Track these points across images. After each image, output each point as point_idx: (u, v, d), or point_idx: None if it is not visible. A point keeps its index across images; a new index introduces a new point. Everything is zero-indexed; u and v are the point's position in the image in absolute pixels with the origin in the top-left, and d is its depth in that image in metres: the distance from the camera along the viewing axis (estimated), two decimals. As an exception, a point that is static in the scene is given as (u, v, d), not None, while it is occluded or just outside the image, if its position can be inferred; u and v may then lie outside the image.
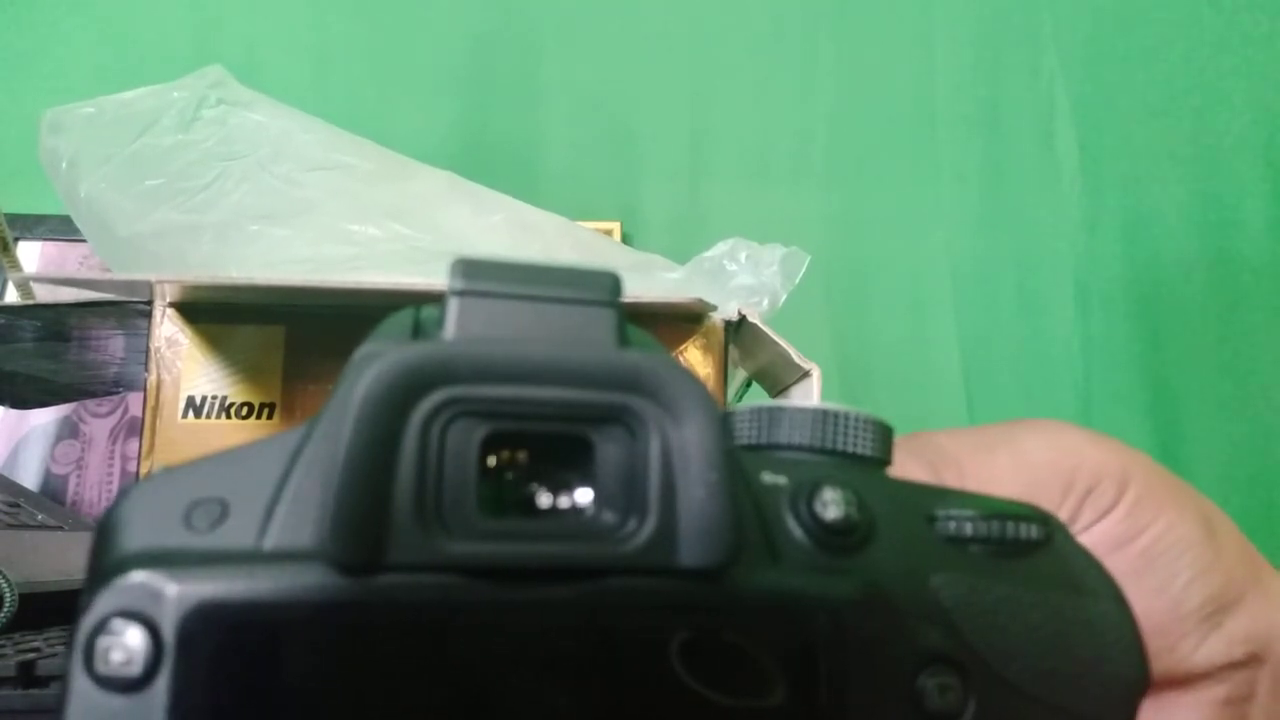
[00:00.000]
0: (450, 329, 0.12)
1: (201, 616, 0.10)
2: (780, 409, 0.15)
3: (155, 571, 0.11)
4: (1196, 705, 0.19)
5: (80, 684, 0.10)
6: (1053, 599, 0.14)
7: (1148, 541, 0.19)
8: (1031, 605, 0.14)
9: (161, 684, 0.10)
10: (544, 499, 0.12)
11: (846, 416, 0.15)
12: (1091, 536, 0.19)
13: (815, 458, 0.14)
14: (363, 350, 0.12)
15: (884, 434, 0.15)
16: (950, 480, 0.19)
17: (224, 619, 0.10)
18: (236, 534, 0.11)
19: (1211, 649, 0.19)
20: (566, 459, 0.12)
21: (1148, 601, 0.19)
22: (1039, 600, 0.14)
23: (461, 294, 0.12)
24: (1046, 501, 0.19)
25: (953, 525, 0.14)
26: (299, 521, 0.11)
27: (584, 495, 0.12)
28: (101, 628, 0.10)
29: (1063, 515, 0.19)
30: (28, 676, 0.35)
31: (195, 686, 0.10)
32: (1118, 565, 0.19)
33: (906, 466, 0.18)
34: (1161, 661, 0.19)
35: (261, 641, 0.11)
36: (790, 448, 0.15)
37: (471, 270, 0.12)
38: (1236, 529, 0.20)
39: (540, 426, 0.12)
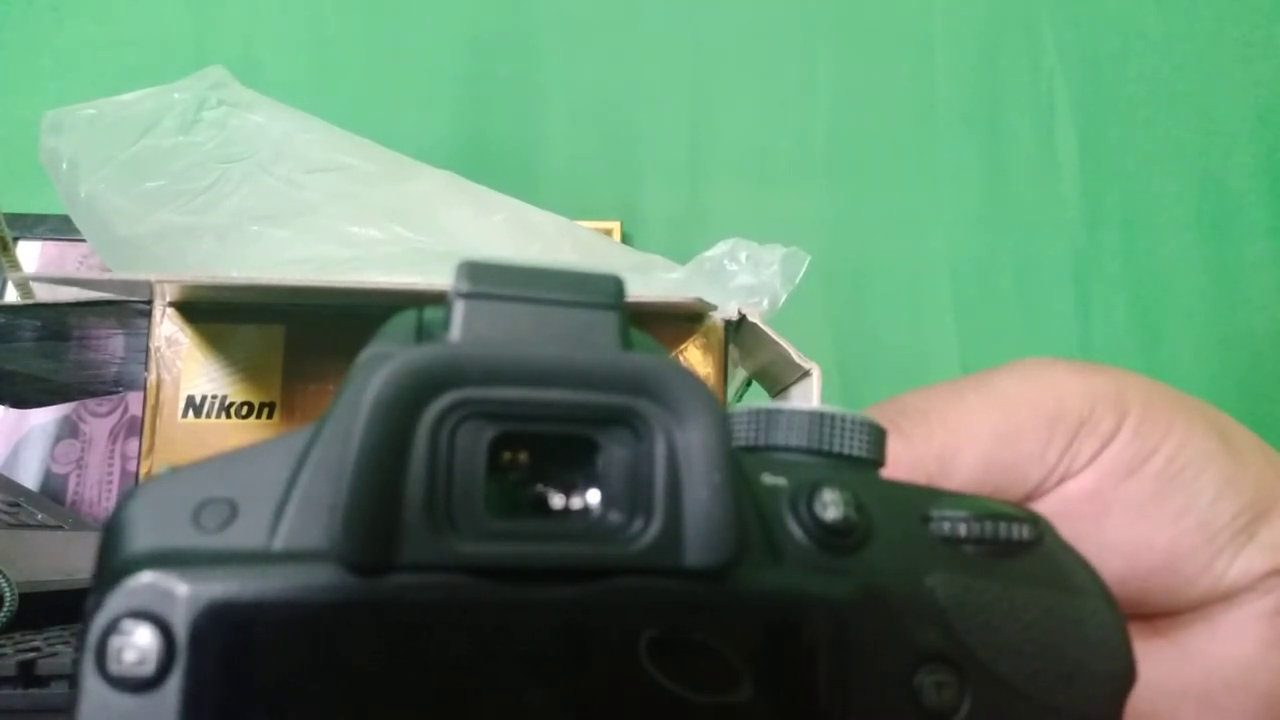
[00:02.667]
0: (456, 331, 0.12)
1: (213, 616, 0.10)
2: (777, 411, 0.15)
3: (166, 571, 0.11)
4: (1245, 620, 0.18)
5: (92, 684, 0.10)
6: (1044, 598, 0.15)
7: (1161, 462, 0.18)
8: (1024, 604, 0.14)
9: (174, 683, 0.10)
10: (551, 499, 0.12)
11: (842, 419, 0.15)
12: (1099, 467, 0.18)
13: (812, 459, 0.15)
14: (369, 352, 0.12)
15: (878, 436, 0.15)
16: (916, 433, 0.18)
17: (236, 618, 0.11)
18: (246, 534, 0.11)
19: (1250, 561, 0.18)
20: (573, 460, 0.12)
21: (1174, 525, 0.18)
22: (1031, 599, 0.14)
23: (467, 296, 0.12)
24: (1031, 440, 0.18)
25: (947, 525, 0.14)
26: (308, 522, 0.11)
27: (590, 496, 0.12)
28: (113, 628, 0.10)
29: (1056, 450, 0.18)
30: (28, 676, 0.35)
31: (207, 686, 0.10)
32: (1134, 492, 0.18)
33: None
34: (1199, 584, 0.18)
35: (273, 640, 0.11)
36: (787, 449, 0.15)
37: (476, 273, 0.12)
38: (1255, 436, 0.19)
39: (547, 428, 0.12)
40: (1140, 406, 0.18)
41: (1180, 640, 0.18)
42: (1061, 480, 0.18)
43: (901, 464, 0.18)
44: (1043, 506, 0.18)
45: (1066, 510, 0.18)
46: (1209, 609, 0.18)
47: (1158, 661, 0.18)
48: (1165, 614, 0.19)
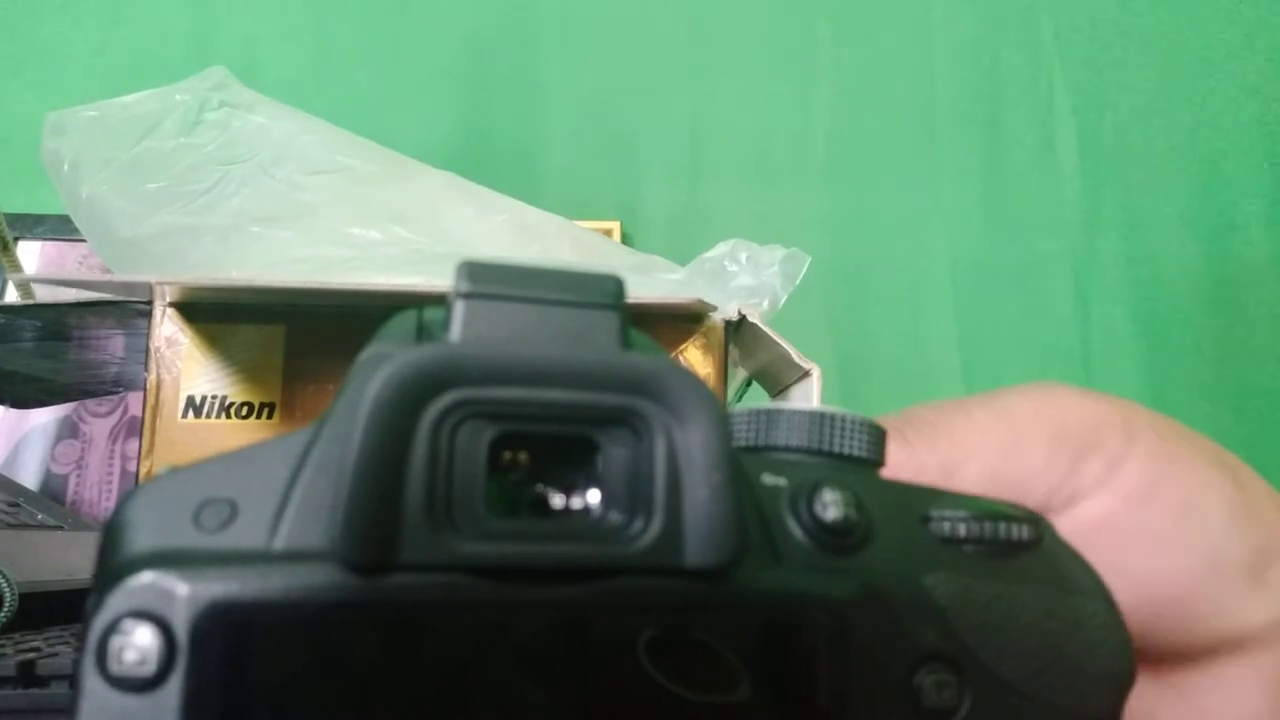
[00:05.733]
0: (456, 331, 0.12)
1: (214, 616, 0.10)
2: (777, 411, 0.15)
3: (167, 571, 0.11)
4: (1257, 674, 0.17)
5: (93, 685, 0.10)
6: (1044, 598, 0.15)
7: (1172, 493, 0.18)
8: (1023, 604, 0.14)
9: (174, 683, 0.10)
10: (551, 499, 0.12)
11: (842, 419, 0.15)
12: (1113, 492, 0.18)
13: (812, 459, 0.15)
14: (369, 352, 0.12)
15: (878, 436, 0.15)
16: (921, 443, 0.18)
17: (236, 618, 0.11)
18: (246, 534, 0.11)
19: (1264, 604, 0.17)
20: (573, 460, 0.12)
21: (1184, 557, 0.17)
22: (1030, 599, 0.15)
23: (467, 296, 0.12)
24: (1036, 455, 0.18)
25: (947, 526, 0.14)
26: (309, 522, 0.11)
27: (591, 496, 0.12)
28: (114, 628, 0.10)
29: (1061, 467, 0.18)
30: (28, 676, 0.35)
31: (208, 685, 0.10)
32: (1146, 520, 0.18)
33: None
34: (1210, 624, 0.18)
35: (273, 640, 0.11)
36: (787, 449, 0.15)
37: (477, 273, 0.12)
38: (1260, 478, 0.19)
39: (547, 428, 0.12)
40: (1148, 435, 0.18)
41: (1188, 693, 0.18)
42: (1070, 501, 0.18)
43: (904, 472, 0.17)
44: None
45: (1078, 535, 0.18)
46: (1217, 660, 0.18)
47: (1163, 714, 0.18)
48: (1173, 656, 0.18)
